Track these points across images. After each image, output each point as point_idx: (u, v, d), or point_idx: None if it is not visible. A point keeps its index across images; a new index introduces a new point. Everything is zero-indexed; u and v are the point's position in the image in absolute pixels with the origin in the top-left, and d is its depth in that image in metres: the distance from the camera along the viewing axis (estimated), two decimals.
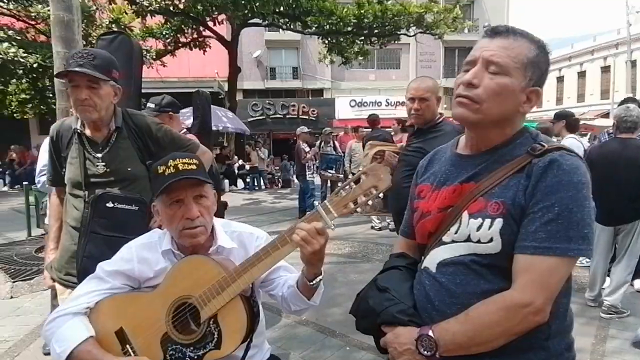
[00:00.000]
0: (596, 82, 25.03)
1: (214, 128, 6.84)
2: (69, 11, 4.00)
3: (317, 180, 8.20)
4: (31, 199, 5.46)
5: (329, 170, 7.73)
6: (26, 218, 5.61)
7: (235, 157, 14.19)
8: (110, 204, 1.63)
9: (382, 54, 20.82)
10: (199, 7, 9.54)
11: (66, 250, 1.72)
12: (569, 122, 4.65)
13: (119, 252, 1.31)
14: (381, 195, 1.15)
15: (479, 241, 0.93)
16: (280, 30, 16.60)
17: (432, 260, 1.03)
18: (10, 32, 10.20)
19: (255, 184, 13.26)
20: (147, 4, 9.74)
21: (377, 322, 1.02)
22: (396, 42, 13.06)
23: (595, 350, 2.82)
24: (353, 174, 8.00)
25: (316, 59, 15.62)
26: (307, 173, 7.59)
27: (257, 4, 9.34)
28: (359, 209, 1.13)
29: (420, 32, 11.30)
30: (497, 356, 0.91)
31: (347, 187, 1.13)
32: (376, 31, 11.01)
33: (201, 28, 12.05)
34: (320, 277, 1.24)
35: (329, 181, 7.96)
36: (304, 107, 20.25)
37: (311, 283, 1.23)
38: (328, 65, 15.99)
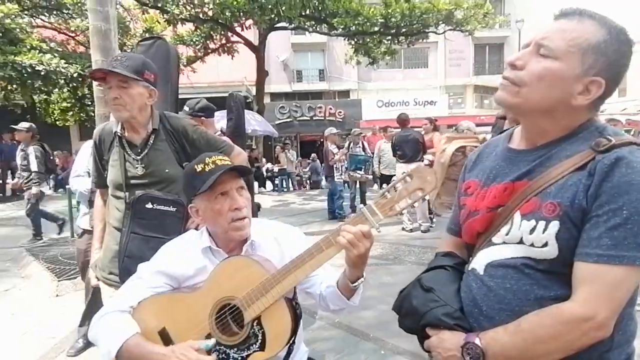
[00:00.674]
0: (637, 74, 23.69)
1: None
2: (106, 21, 4.17)
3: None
4: (74, 201, 5.71)
5: (358, 171, 7.66)
6: (69, 219, 5.89)
7: (264, 159, 14.37)
8: (149, 205, 1.67)
9: (409, 53, 20.54)
10: (227, 14, 9.75)
11: (109, 250, 1.78)
12: None
13: (159, 252, 1.34)
14: (427, 197, 1.11)
15: (532, 245, 0.86)
16: (307, 33, 16.75)
17: (480, 261, 0.96)
18: (52, 44, 10.78)
19: (284, 185, 13.36)
20: (177, 13, 10.04)
21: (420, 323, 0.96)
22: (424, 40, 12.86)
23: None
24: (382, 174, 7.95)
25: (342, 60, 15.59)
26: (335, 174, 7.55)
27: (284, 7, 9.43)
28: (405, 211, 1.10)
29: (450, 30, 11.04)
30: None
31: (392, 189, 1.10)
32: (404, 30, 10.85)
33: (229, 34, 12.32)
34: (362, 279, 1.22)
35: (358, 182, 7.90)
36: (330, 108, 20.26)
37: (353, 284, 1.21)
38: (354, 66, 15.92)
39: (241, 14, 9.92)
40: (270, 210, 8.98)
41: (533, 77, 0.87)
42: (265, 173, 13.77)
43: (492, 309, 0.90)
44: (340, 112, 20.19)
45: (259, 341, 1.13)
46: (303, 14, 10.44)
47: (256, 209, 3.53)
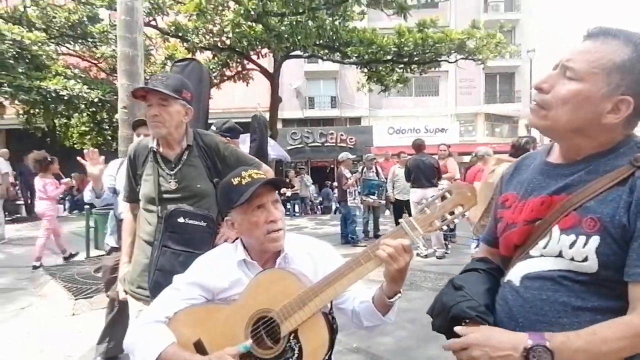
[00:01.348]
0: None
1: None
2: (134, 47, 4.37)
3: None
4: (90, 222, 5.79)
5: (371, 196, 7.65)
6: (85, 240, 5.94)
7: None
8: (181, 219, 1.69)
9: (420, 81, 20.84)
10: (244, 42, 10.08)
11: (138, 264, 1.79)
12: None
13: (194, 263, 1.35)
14: (467, 214, 1.12)
15: (572, 259, 0.86)
16: (320, 61, 17.17)
17: (516, 273, 0.96)
18: (76, 71, 11.24)
19: (296, 210, 13.36)
20: (197, 41, 10.42)
21: (448, 317, 0.96)
22: (435, 69, 13.06)
23: None
24: (396, 199, 7.91)
25: (354, 87, 15.86)
26: (348, 199, 7.55)
27: (299, 37, 9.74)
28: (445, 227, 1.10)
29: (462, 59, 11.24)
30: None
31: (431, 204, 1.11)
32: (416, 59, 11.07)
33: (245, 61, 12.70)
34: (400, 294, 1.20)
35: (371, 207, 7.87)
36: (341, 134, 20.46)
37: (390, 300, 1.19)
38: (366, 93, 16.19)
39: (258, 42, 10.26)
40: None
41: (558, 100, 0.89)
42: None
43: (528, 321, 0.90)
44: (351, 138, 20.38)
45: (296, 355, 1.12)
46: (318, 43, 10.77)
47: None
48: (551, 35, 20.69)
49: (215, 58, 12.58)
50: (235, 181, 1.27)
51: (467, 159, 16.12)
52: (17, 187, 11.56)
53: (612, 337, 0.81)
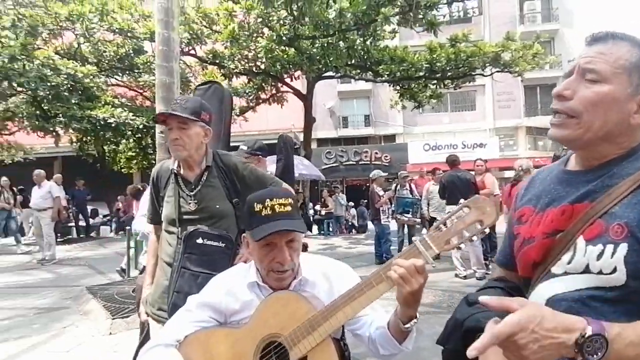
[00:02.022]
0: None
1: None
2: (170, 75, 4.60)
3: (394, 224, 7.93)
4: (131, 243, 6.03)
5: (405, 215, 7.45)
6: (126, 260, 6.18)
7: (310, 203, 14.49)
8: (200, 240, 1.69)
9: (456, 96, 20.44)
10: (277, 66, 10.39)
11: (159, 286, 1.80)
12: None
13: (207, 284, 1.33)
14: (487, 230, 1.03)
15: (600, 272, 0.78)
16: (352, 81, 17.32)
17: (539, 296, 0.87)
18: (123, 100, 12.04)
19: (331, 229, 13.28)
20: (233, 67, 10.88)
21: (461, 334, 0.87)
22: (471, 83, 12.75)
23: None
24: (432, 217, 7.65)
25: (387, 105, 15.79)
26: (382, 217, 7.40)
27: (331, 58, 9.91)
28: (462, 245, 1.02)
29: (498, 71, 10.91)
30: None
31: (448, 221, 1.03)
32: (449, 74, 10.88)
33: (279, 84, 13.06)
34: (416, 320, 1.12)
35: (405, 225, 7.66)
36: (376, 153, 20.34)
37: (405, 326, 1.11)
38: (400, 110, 16.07)
39: (290, 65, 10.54)
40: (316, 254, 8.87)
41: (587, 104, 0.84)
42: (312, 217, 13.83)
43: None
44: (386, 156, 20.21)
45: None
46: (349, 63, 10.88)
47: (304, 250, 3.53)
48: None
49: (251, 82, 13.04)
50: (257, 207, 1.21)
51: (508, 174, 15.47)
52: (69, 210, 12.34)
53: None
